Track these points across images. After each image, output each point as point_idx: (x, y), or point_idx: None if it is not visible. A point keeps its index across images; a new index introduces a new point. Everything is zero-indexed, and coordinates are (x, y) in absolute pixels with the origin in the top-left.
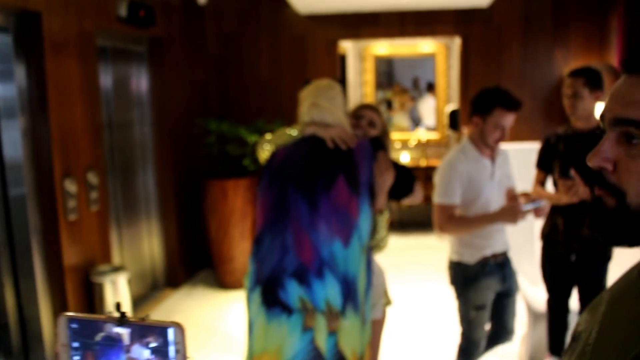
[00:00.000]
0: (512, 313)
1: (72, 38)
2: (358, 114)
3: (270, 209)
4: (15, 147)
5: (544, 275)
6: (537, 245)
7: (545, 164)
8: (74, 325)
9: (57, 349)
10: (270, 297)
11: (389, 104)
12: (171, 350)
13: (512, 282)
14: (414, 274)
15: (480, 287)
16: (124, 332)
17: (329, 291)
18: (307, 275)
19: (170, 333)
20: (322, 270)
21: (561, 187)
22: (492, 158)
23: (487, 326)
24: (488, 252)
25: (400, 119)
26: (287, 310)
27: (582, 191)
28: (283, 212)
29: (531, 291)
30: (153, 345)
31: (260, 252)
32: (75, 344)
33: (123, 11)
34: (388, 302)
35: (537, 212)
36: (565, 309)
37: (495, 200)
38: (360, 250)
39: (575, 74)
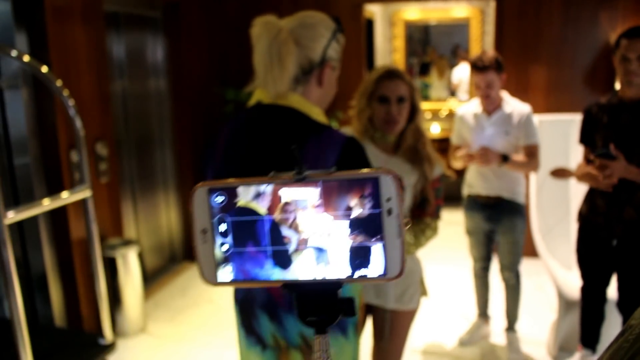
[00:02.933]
0: (506, 251)
1: (76, 3)
2: (379, 94)
3: None
4: (19, 119)
5: (580, 259)
6: (573, 226)
7: (588, 138)
8: (219, 199)
9: (195, 237)
10: (247, 323)
11: (425, 69)
12: (385, 209)
13: (502, 225)
14: (442, 251)
15: (466, 216)
16: (307, 193)
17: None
18: (277, 311)
19: (386, 185)
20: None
21: (599, 169)
22: (488, 113)
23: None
24: (472, 191)
25: (437, 88)
26: (262, 343)
27: (617, 173)
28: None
29: (563, 275)
30: (358, 207)
31: None
32: (222, 227)
33: None
34: (424, 293)
35: (469, 158)
36: (601, 298)
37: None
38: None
39: (638, 33)
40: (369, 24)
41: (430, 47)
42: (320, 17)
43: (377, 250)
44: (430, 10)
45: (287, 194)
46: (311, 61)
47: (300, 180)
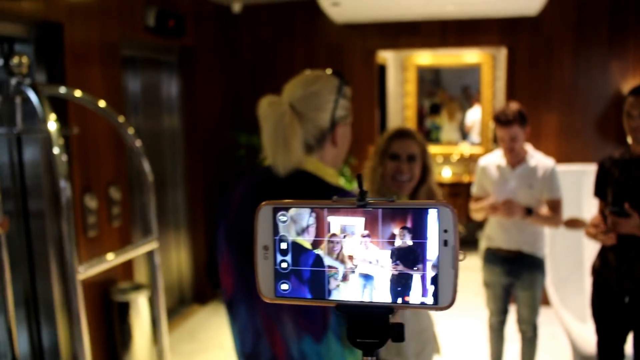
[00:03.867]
0: (525, 305)
1: (95, 49)
2: (391, 152)
3: (236, 275)
4: (34, 162)
5: (594, 314)
6: (586, 277)
7: (601, 192)
8: (283, 219)
9: (256, 253)
10: None
11: (435, 109)
12: (431, 239)
13: (522, 280)
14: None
15: (485, 269)
16: (355, 222)
17: None
18: None
19: (434, 218)
20: None
21: (613, 225)
22: (512, 166)
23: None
24: (492, 244)
25: (448, 131)
26: None
27: (632, 226)
28: (248, 289)
29: (578, 329)
30: (399, 238)
31: (239, 320)
32: (283, 245)
33: (151, 21)
34: (437, 350)
35: (493, 210)
36: (618, 355)
37: None
38: (340, 346)
39: None
40: (382, 68)
41: (441, 88)
42: (323, 79)
43: (427, 279)
44: (442, 56)
45: (336, 222)
46: (322, 129)
47: (362, 206)
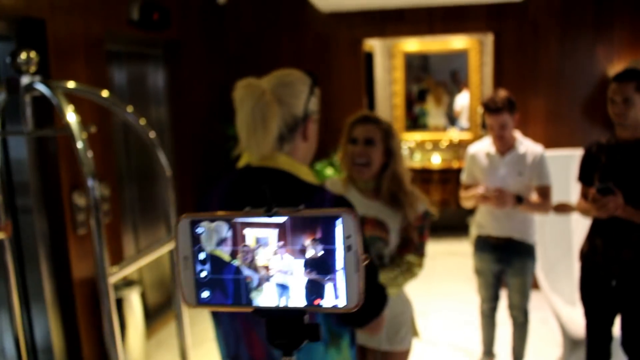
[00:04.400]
0: (516, 291)
1: (79, 44)
2: (351, 136)
3: None
4: (21, 159)
5: (583, 298)
6: (575, 262)
7: (586, 177)
8: (200, 230)
9: (178, 262)
10: None
11: (422, 95)
12: (339, 246)
13: (513, 266)
14: (444, 284)
15: (476, 256)
16: (270, 233)
17: None
18: None
19: (339, 226)
20: None
21: (593, 202)
22: (501, 153)
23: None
24: (482, 232)
25: (435, 116)
26: None
27: (613, 206)
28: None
29: (568, 313)
30: (310, 248)
31: (223, 324)
32: (202, 256)
33: (135, 14)
34: (415, 334)
35: (484, 199)
36: (607, 337)
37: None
38: (323, 345)
39: (624, 77)
40: (369, 56)
41: (428, 74)
42: (296, 74)
43: (338, 283)
44: (429, 42)
45: (251, 234)
46: (295, 117)
47: (270, 215)
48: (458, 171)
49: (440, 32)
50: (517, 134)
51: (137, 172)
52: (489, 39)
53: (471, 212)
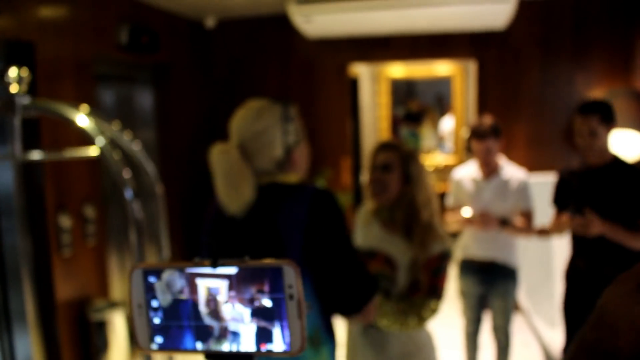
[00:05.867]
0: (499, 313)
1: (67, 67)
2: (372, 164)
3: None
4: (6, 180)
5: (565, 317)
6: (556, 284)
7: (560, 201)
8: (153, 280)
9: (132, 311)
10: None
11: (411, 118)
12: (287, 294)
13: (496, 289)
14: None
15: (460, 279)
16: (221, 284)
17: None
18: None
19: (288, 273)
20: None
21: (572, 225)
22: (486, 178)
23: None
24: (467, 255)
25: (429, 138)
26: None
27: (596, 228)
28: None
29: (549, 335)
30: (258, 298)
31: None
32: (154, 303)
33: (124, 38)
34: None
35: (468, 222)
36: None
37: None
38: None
39: (588, 110)
40: (354, 82)
41: (413, 97)
42: (266, 112)
43: (280, 330)
44: (414, 68)
45: (203, 284)
46: (277, 160)
47: (215, 267)
48: (441, 195)
49: (423, 58)
50: (502, 159)
51: (123, 193)
52: (473, 66)
53: (455, 235)
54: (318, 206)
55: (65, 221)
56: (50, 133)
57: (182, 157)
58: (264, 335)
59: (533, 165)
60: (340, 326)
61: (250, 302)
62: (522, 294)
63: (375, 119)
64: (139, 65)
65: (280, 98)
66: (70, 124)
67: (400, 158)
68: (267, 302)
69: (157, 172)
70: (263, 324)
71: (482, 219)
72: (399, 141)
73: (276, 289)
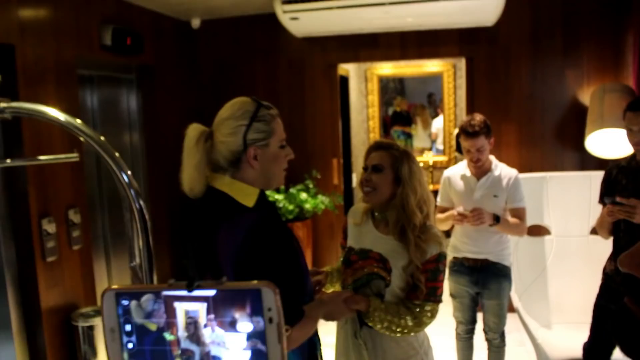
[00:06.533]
0: (492, 314)
1: (49, 68)
2: (364, 164)
3: None
4: None
5: (595, 314)
6: (550, 284)
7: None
8: (125, 302)
9: (105, 335)
10: None
11: (402, 117)
12: (266, 318)
13: (489, 289)
14: None
15: (451, 279)
16: (198, 307)
17: None
18: None
19: (267, 296)
20: None
21: (614, 212)
22: (477, 176)
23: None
24: (458, 255)
25: (421, 139)
26: None
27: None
28: None
29: (542, 335)
30: (242, 322)
31: None
32: (128, 327)
33: (107, 39)
34: None
35: (461, 218)
36: (606, 358)
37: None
38: None
39: (638, 106)
40: (344, 80)
41: (399, 96)
42: (237, 106)
43: (261, 353)
44: (403, 66)
45: (181, 307)
46: (233, 152)
47: (191, 290)
48: (435, 194)
49: (413, 57)
50: (492, 157)
51: (108, 198)
52: (463, 62)
53: (446, 235)
54: (251, 243)
55: (50, 226)
56: (33, 138)
57: (168, 159)
58: (259, 358)
59: (524, 165)
60: (330, 328)
61: (232, 325)
62: (514, 294)
63: (365, 117)
64: (124, 67)
65: (257, 100)
66: (44, 120)
67: (391, 158)
68: (247, 326)
69: (144, 174)
70: (259, 346)
71: (476, 214)
72: (393, 141)
73: (257, 311)
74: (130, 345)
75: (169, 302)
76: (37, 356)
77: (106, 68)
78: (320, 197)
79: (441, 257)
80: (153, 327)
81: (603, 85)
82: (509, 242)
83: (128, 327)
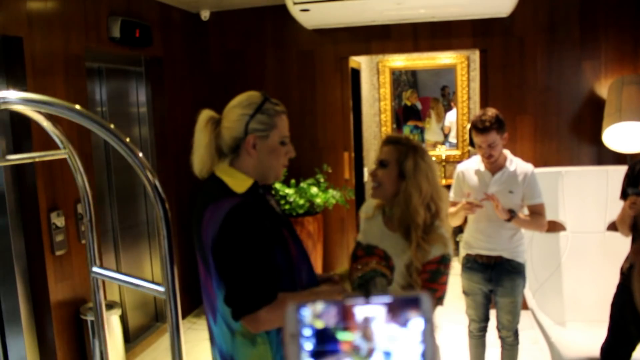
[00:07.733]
0: (506, 311)
1: (58, 61)
2: (375, 158)
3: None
4: None
5: (613, 314)
6: (564, 280)
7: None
8: (306, 310)
9: (285, 340)
10: None
11: (413, 111)
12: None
13: (503, 286)
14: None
15: (464, 276)
16: (378, 310)
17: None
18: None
19: (425, 304)
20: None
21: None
22: (492, 171)
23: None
24: (471, 251)
25: (433, 133)
26: None
27: None
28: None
29: (556, 333)
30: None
31: None
32: (307, 332)
33: (116, 32)
34: None
35: (474, 207)
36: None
37: (486, 210)
38: (229, 331)
39: None
40: (355, 72)
41: (411, 89)
42: (244, 98)
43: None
44: (416, 58)
45: (361, 311)
46: (235, 138)
47: (368, 302)
48: (446, 188)
49: (425, 49)
50: (507, 152)
51: (118, 190)
52: (476, 54)
53: (459, 230)
54: (226, 228)
55: (59, 220)
56: (42, 132)
57: (178, 151)
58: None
59: (540, 160)
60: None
61: (404, 323)
62: (528, 291)
63: (376, 111)
64: (132, 59)
65: (265, 94)
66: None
67: (397, 153)
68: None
69: (153, 167)
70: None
71: (491, 197)
72: (405, 135)
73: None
74: (308, 347)
75: (347, 307)
76: (46, 349)
77: (115, 60)
78: (331, 192)
79: (445, 259)
80: (331, 329)
81: (621, 78)
82: (524, 239)
83: (307, 332)
